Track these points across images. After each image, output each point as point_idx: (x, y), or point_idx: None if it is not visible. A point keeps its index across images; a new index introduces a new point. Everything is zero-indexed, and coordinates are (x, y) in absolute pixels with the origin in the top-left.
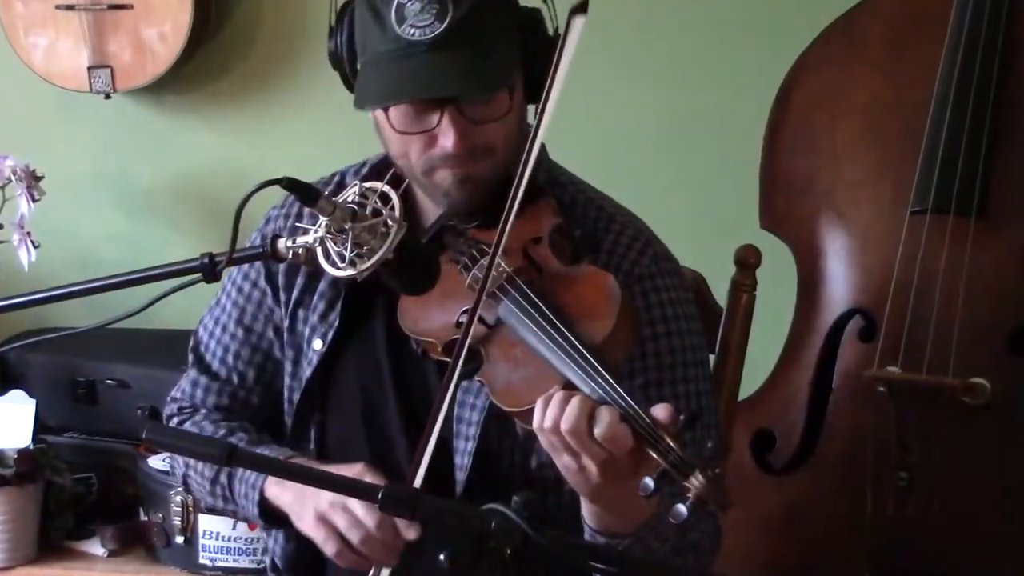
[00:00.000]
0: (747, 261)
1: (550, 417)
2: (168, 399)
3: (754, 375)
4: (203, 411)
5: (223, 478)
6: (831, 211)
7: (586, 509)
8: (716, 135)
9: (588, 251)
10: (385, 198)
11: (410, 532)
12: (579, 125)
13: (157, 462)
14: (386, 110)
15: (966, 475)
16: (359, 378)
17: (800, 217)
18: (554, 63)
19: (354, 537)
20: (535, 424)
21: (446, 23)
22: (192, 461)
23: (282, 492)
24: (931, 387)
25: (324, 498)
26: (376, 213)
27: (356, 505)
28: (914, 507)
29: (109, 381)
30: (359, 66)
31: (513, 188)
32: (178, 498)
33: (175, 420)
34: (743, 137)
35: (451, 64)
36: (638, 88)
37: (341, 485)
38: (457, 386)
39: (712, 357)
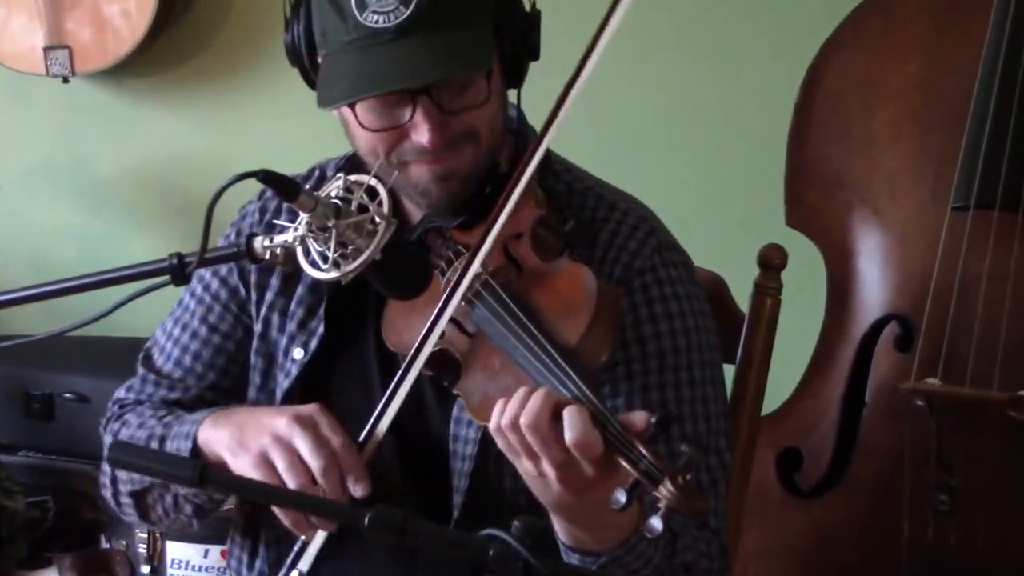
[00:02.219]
0: (771, 262)
1: (509, 412)
2: (111, 402)
3: (779, 388)
4: (147, 403)
5: (154, 444)
6: (865, 206)
7: (555, 524)
8: (737, 124)
9: (583, 244)
10: (372, 192)
11: (359, 488)
12: (585, 115)
13: None
14: (352, 107)
15: (1013, 498)
16: (347, 397)
17: (830, 213)
18: (583, 55)
19: (292, 480)
20: (491, 424)
21: (412, 6)
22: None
23: (215, 433)
24: (974, 401)
25: (267, 431)
26: (362, 209)
27: (304, 445)
28: (956, 533)
29: (67, 395)
30: (320, 59)
31: (499, 202)
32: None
33: (115, 423)
34: (767, 126)
35: (420, 51)
36: (649, 73)
37: (322, 507)
38: (445, 396)
39: (733, 367)
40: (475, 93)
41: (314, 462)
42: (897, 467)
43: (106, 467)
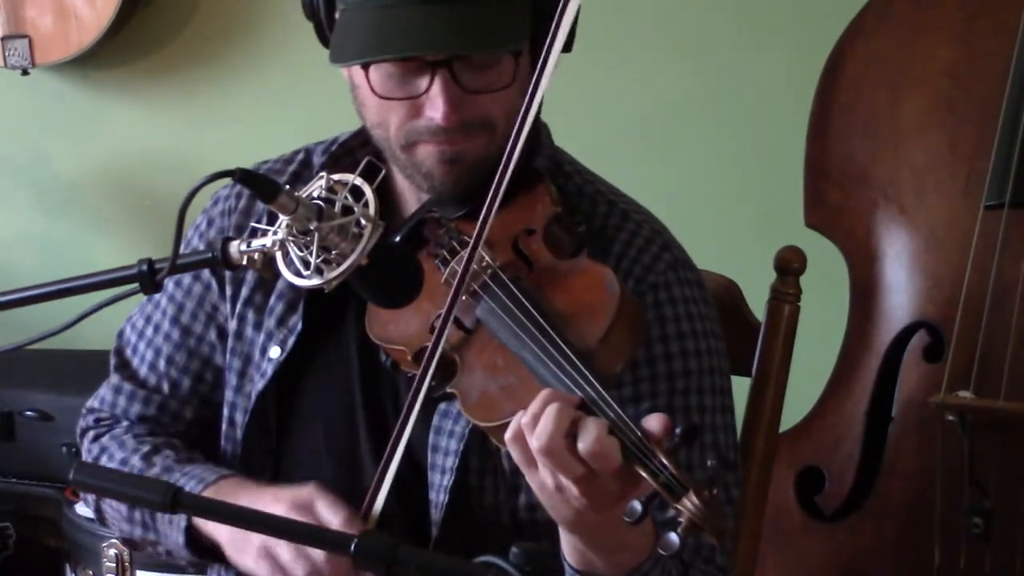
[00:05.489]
0: (789, 266)
1: (523, 424)
2: (84, 410)
3: (798, 402)
4: (125, 423)
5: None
6: (891, 205)
7: (566, 544)
8: (752, 118)
9: (595, 252)
10: (357, 193)
11: None
12: (592, 112)
13: (87, 509)
14: (366, 69)
15: None
16: (324, 395)
17: (853, 212)
18: (552, 28)
19: (300, 571)
20: (507, 435)
21: None
22: None
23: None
24: (1011, 415)
25: None
26: (347, 211)
27: None
28: (991, 559)
29: (28, 413)
30: (337, 15)
31: (500, 169)
32: (111, 552)
33: (91, 434)
34: (784, 120)
35: (448, 18)
36: (657, 64)
37: (305, 534)
38: (426, 403)
39: (748, 380)
40: (499, 74)
41: (316, 552)
42: (927, 488)
43: (91, 499)
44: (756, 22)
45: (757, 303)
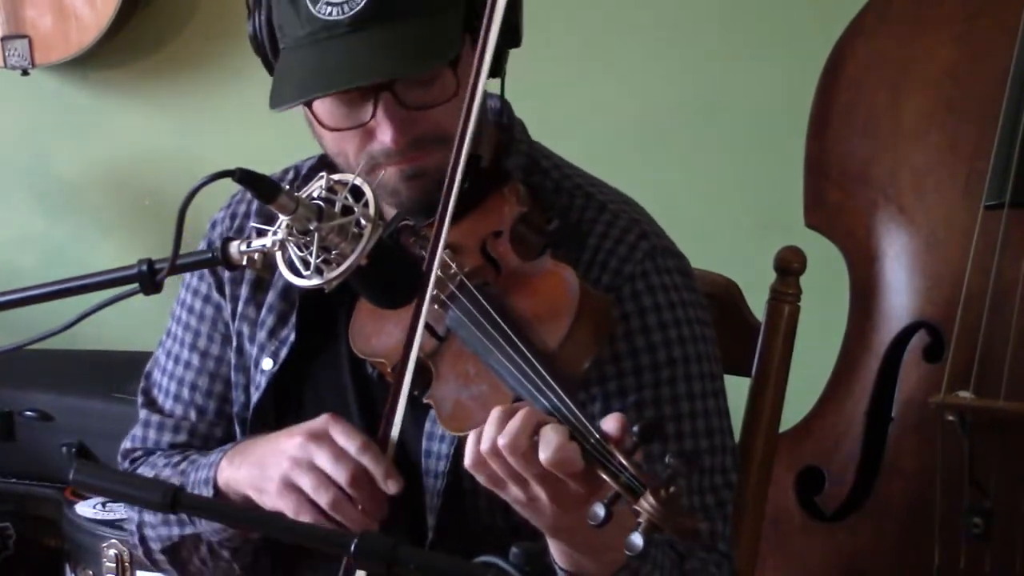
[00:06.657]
0: (789, 266)
1: (487, 438)
2: (119, 454)
3: (798, 403)
4: (158, 453)
5: None
6: (891, 205)
7: (553, 548)
8: (751, 118)
9: (570, 247)
10: (357, 192)
11: (391, 484)
12: (590, 111)
13: (86, 509)
14: (309, 105)
15: None
16: (321, 405)
17: (854, 212)
18: (483, 29)
19: (323, 499)
20: (468, 460)
21: None
22: None
23: (236, 473)
24: (1011, 416)
25: (284, 457)
26: (347, 211)
27: (325, 460)
28: (991, 559)
29: (28, 413)
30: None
31: (447, 180)
32: (111, 552)
33: None
34: (784, 120)
35: (376, 45)
36: (657, 64)
37: (309, 536)
38: (417, 408)
39: (748, 380)
40: (442, 87)
41: (339, 475)
42: (927, 488)
43: (134, 527)
44: (756, 22)
45: (757, 303)
